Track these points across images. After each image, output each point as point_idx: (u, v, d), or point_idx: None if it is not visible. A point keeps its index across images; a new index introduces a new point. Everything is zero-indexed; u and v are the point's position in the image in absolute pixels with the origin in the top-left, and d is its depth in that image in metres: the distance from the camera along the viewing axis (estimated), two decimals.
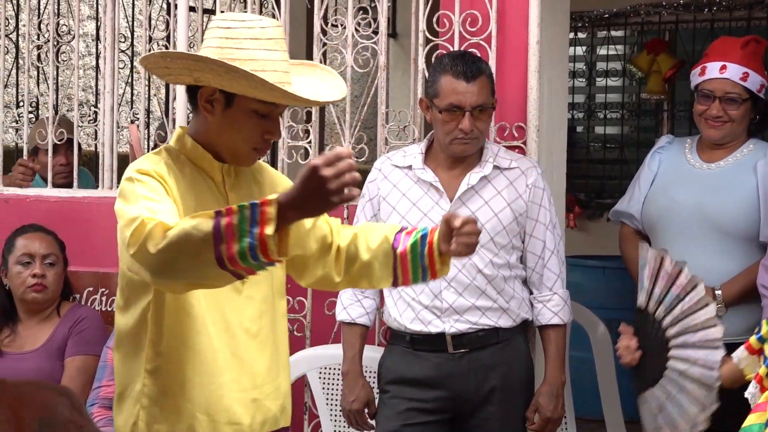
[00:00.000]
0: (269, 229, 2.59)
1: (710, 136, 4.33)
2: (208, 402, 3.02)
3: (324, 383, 4.49)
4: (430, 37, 4.65)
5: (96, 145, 5.35)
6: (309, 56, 5.04)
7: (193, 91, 3.03)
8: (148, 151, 5.81)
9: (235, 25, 2.94)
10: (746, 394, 3.35)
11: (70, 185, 5.40)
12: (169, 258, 2.67)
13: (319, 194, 2.59)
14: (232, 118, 3.00)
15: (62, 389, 1.96)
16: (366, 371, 4.22)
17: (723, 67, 4.26)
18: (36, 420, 1.83)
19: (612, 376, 4.87)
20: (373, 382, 4.26)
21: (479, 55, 4.39)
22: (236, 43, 2.91)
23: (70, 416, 1.85)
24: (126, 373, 3.04)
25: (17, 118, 5.64)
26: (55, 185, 5.41)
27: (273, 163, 7.35)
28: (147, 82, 5.49)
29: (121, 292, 3.05)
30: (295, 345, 4.62)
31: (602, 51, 8.75)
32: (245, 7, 5.04)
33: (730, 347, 3.93)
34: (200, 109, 3.02)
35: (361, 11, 4.77)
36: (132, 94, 8.06)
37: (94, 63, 8.18)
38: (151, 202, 2.82)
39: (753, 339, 3.39)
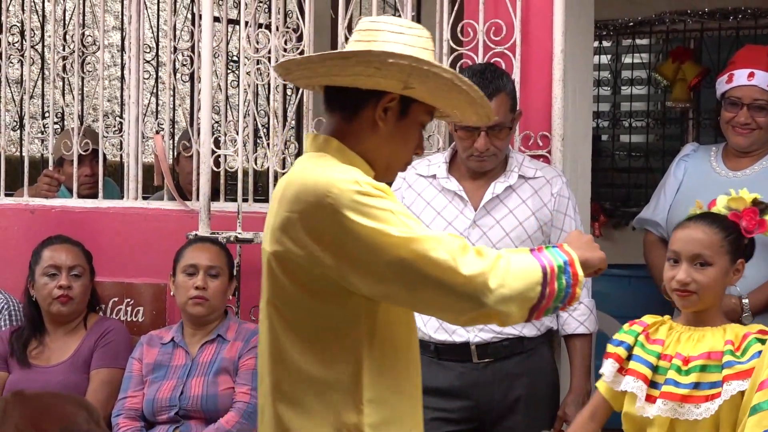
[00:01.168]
0: (579, 269, 2.65)
1: (738, 143, 4.32)
2: (419, 426, 2.89)
3: None
4: (454, 46, 4.64)
5: (121, 155, 5.36)
6: None
7: (349, 99, 2.77)
8: (172, 162, 5.85)
9: (406, 31, 2.79)
10: (601, 371, 3.45)
11: (95, 196, 5.42)
12: (508, 294, 2.57)
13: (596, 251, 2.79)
14: (403, 129, 2.80)
15: (81, 401, 1.96)
16: None
17: (751, 74, 4.25)
18: (57, 431, 1.83)
19: None
20: None
21: (503, 64, 4.39)
22: (415, 51, 2.75)
23: (87, 428, 1.86)
24: (324, 410, 2.70)
25: (43, 129, 5.66)
26: (81, 196, 5.42)
27: None
28: (172, 93, 5.50)
29: (304, 325, 2.71)
30: None
31: (627, 59, 8.72)
32: (269, 17, 5.04)
33: None
34: (373, 117, 2.77)
35: None
36: (157, 105, 8.08)
37: (119, 73, 8.24)
38: (413, 221, 2.62)
39: (620, 349, 3.46)
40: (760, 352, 3.23)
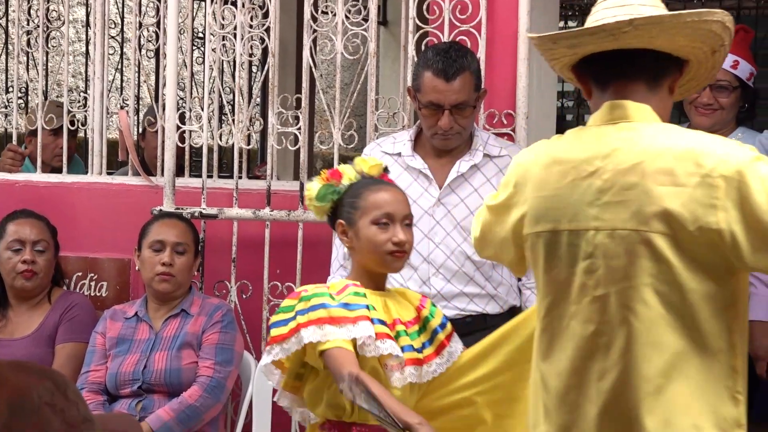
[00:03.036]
0: None
1: (701, 123, 4.34)
2: None
3: None
4: (420, 24, 4.64)
5: (85, 131, 5.34)
6: (299, 43, 5.03)
7: (658, 66, 2.63)
8: (137, 137, 5.81)
9: None
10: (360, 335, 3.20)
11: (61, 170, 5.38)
12: None
13: None
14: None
15: (47, 372, 1.89)
16: None
17: None
18: (4, 402, 1.79)
19: None
20: None
21: (468, 42, 4.40)
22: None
23: (50, 399, 1.81)
24: (700, 405, 2.50)
25: (6, 104, 5.62)
26: (53, 168, 5.38)
27: (263, 148, 7.35)
28: (137, 69, 5.48)
29: (689, 310, 2.49)
30: None
31: None
32: None
33: None
34: (671, 86, 2.67)
35: None
36: (122, 81, 8.05)
37: (83, 49, 8.16)
38: None
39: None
40: (445, 316, 3.47)
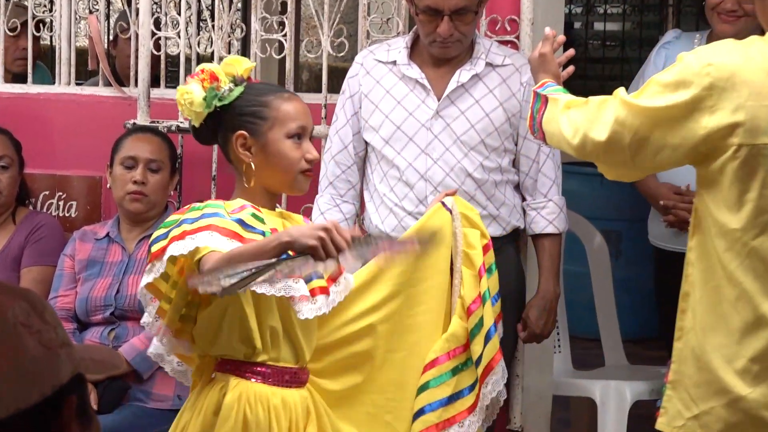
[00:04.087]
0: None
1: (723, 31, 4.18)
2: None
3: None
4: None
5: (51, 37, 5.10)
6: None
7: None
8: (108, 45, 5.60)
9: None
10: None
11: (23, 78, 5.21)
12: None
13: None
14: None
15: (21, 292, 1.77)
16: None
17: None
18: None
19: (609, 292, 4.83)
20: None
21: None
22: None
23: (25, 320, 1.69)
24: None
25: None
26: (14, 75, 5.22)
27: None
28: None
29: None
30: None
31: None
32: None
33: None
34: None
35: None
36: None
37: None
38: None
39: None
40: None
